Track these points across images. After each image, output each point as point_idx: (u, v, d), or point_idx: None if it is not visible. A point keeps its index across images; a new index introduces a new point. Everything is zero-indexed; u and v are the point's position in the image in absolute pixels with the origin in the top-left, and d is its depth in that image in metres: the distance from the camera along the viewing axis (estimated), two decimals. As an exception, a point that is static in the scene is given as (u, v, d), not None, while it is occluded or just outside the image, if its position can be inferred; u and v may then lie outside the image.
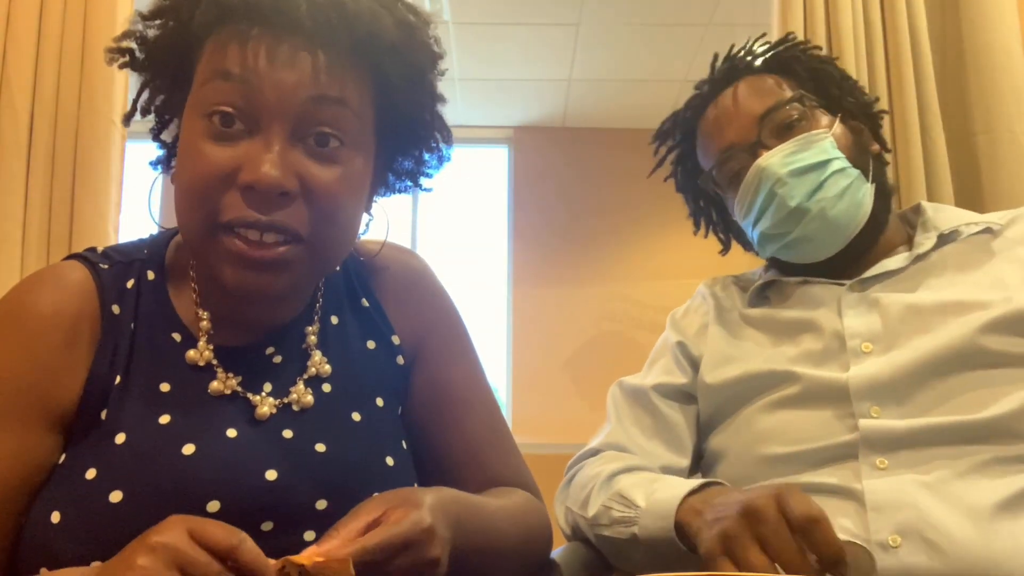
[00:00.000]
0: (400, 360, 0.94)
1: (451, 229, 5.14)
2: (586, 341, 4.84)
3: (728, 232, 1.33)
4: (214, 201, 0.74)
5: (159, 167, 0.88)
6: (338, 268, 0.95)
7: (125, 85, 1.98)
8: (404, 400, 0.94)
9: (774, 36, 1.96)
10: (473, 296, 5.00)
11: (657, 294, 4.82)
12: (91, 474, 0.75)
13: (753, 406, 1.08)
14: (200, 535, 0.59)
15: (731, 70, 1.21)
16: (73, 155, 1.92)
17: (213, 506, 0.75)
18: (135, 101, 0.84)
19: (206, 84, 0.75)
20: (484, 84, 4.60)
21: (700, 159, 1.24)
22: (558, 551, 1.06)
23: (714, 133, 1.19)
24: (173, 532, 0.58)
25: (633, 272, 4.93)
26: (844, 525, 0.94)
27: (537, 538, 0.92)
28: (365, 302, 0.94)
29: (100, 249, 0.87)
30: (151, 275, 0.85)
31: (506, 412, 4.76)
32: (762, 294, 1.21)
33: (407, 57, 0.80)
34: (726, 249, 1.35)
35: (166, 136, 0.88)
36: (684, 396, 1.17)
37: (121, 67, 0.82)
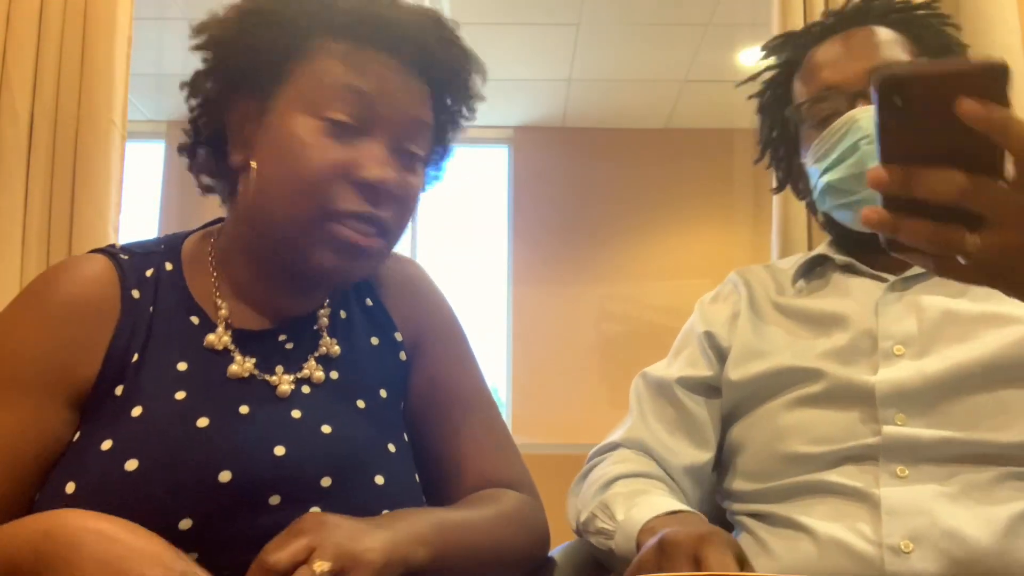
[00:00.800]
0: (402, 356, 0.97)
1: (451, 229, 5.14)
2: (586, 341, 4.84)
3: (788, 173, 1.27)
4: (327, 191, 0.82)
5: (185, 152, 0.93)
6: None
7: (125, 85, 1.98)
8: (405, 397, 0.97)
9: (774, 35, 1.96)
10: (473, 296, 5.01)
11: (657, 294, 4.82)
12: (107, 445, 0.78)
13: (777, 401, 1.06)
14: None
15: (861, 13, 1.17)
16: (73, 155, 1.92)
17: (225, 476, 0.77)
18: (194, 80, 0.90)
19: (325, 91, 0.83)
20: (484, 84, 4.60)
21: (796, 88, 1.19)
22: (560, 548, 1.06)
23: (821, 68, 1.14)
24: None
25: (633, 272, 4.93)
26: (858, 528, 0.93)
27: (529, 541, 0.92)
28: (369, 301, 0.98)
29: (118, 245, 0.91)
30: (169, 266, 0.90)
31: (506, 412, 4.76)
32: (802, 277, 1.17)
33: (461, 91, 0.94)
34: (779, 188, 1.30)
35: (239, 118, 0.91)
36: (709, 389, 1.14)
37: (198, 48, 0.89)
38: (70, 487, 0.76)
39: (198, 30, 0.89)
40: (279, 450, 0.81)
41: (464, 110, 0.96)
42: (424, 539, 0.76)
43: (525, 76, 4.53)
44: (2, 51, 1.91)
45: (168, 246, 0.93)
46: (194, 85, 0.90)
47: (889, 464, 0.95)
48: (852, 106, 1.08)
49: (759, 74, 1.27)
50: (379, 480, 0.85)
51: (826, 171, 1.10)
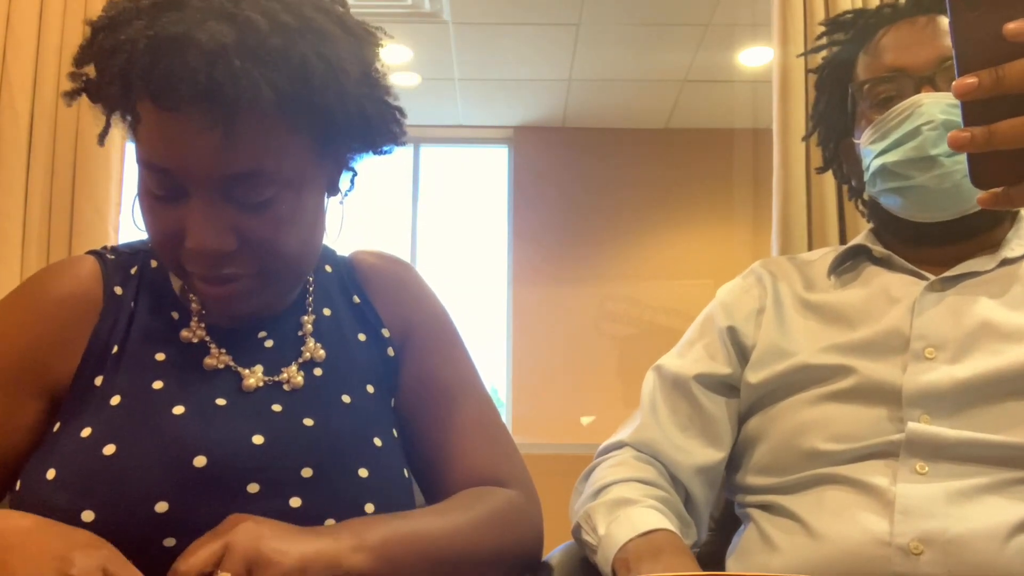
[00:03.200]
0: (390, 352, 0.97)
1: (451, 229, 5.14)
2: (586, 341, 4.84)
3: (835, 154, 1.24)
4: (174, 255, 0.81)
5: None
6: (330, 269, 0.99)
7: (125, 85, 1.98)
8: (395, 393, 0.96)
9: (774, 35, 1.96)
10: (473, 296, 5.01)
11: (657, 294, 4.82)
12: (86, 432, 0.80)
13: (799, 396, 1.04)
14: None
15: (937, 1, 1.13)
16: (73, 155, 1.92)
17: (200, 461, 0.78)
18: (107, 122, 0.84)
19: (139, 162, 0.80)
20: (484, 84, 4.60)
21: (860, 67, 1.16)
22: (558, 549, 1.06)
23: (891, 49, 1.11)
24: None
25: (633, 272, 4.93)
26: (868, 525, 0.92)
27: (514, 542, 0.90)
28: (356, 299, 0.98)
29: (109, 247, 0.94)
30: (154, 263, 0.92)
31: (506, 412, 4.76)
32: (838, 268, 1.15)
33: (308, 97, 0.78)
34: (824, 168, 1.27)
35: None
36: (727, 388, 1.12)
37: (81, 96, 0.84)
38: (50, 473, 0.78)
39: (72, 79, 0.83)
40: (257, 439, 0.82)
41: (342, 95, 0.80)
42: (365, 546, 0.75)
43: (525, 76, 4.54)
44: (2, 51, 1.91)
45: None
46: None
47: (909, 459, 0.94)
48: (918, 91, 1.06)
49: (822, 48, 1.24)
50: (363, 473, 0.85)
51: (882, 153, 1.07)
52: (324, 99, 0.78)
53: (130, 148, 2.00)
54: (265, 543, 0.69)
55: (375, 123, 0.85)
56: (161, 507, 0.76)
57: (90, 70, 0.80)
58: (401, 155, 5.06)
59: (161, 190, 0.79)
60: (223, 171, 0.77)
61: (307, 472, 0.82)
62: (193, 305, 0.89)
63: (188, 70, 0.72)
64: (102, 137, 0.84)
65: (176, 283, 0.91)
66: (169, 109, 0.74)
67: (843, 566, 0.91)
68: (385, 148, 0.90)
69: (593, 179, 5.01)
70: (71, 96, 0.82)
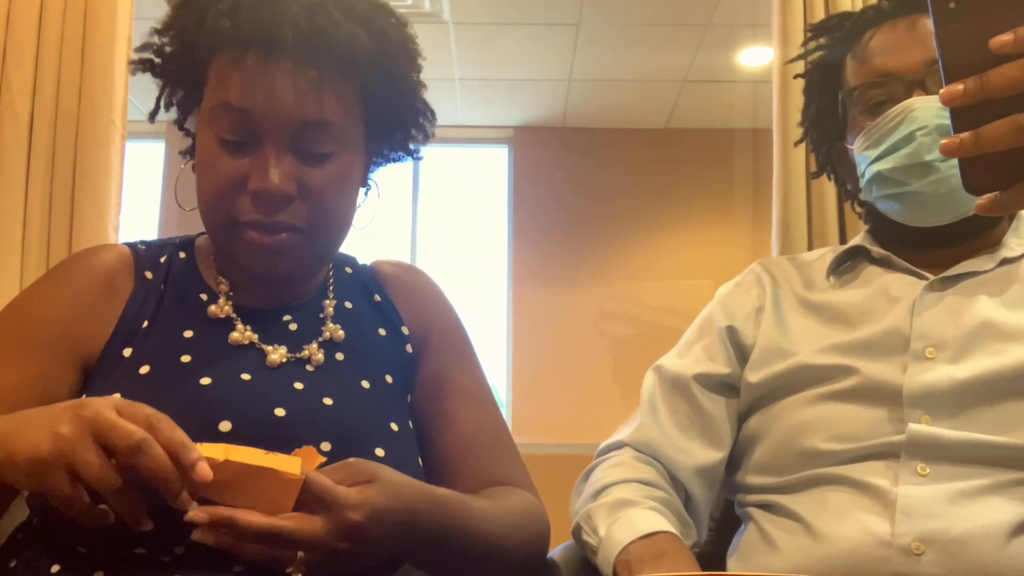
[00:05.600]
0: (409, 348, 1.01)
1: (451, 229, 5.14)
2: (586, 341, 4.84)
3: (828, 159, 1.24)
4: (231, 203, 0.87)
5: (187, 156, 0.99)
6: (350, 271, 1.03)
7: (125, 86, 1.98)
8: (411, 390, 0.99)
9: (774, 36, 1.97)
10: (473, 296, 5.01)
11: (657, 294, 4.82)
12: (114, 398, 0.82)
13: (799, 396, 1.04)
14: (122, 410, 0.68)
15: (921, 0, 1.11)
16: (73, 155, 1.92)
17: (225, 426, 0.82)
18: (158, 99, 0.95)
19: (213, 108, 0.88)
20: (484, 84, 4.60)
21: (849, 71, 1.15)
22: (559, 548, 1.06)
23: (880, 53, 1.10)
24: (98, 406, 0.68)
25: (633, 272, 4.93)
26: (870, 526, 0.92)
27: (531, 540, 0.93)
28: (377, 298, 1.03)
29: (139, 240, 1.00)
30: (182, 254, 0.98)
31: (506, 412, 4.77)
32: (838, 268, 1.15)
33: (385, 66, 0.91)
34: (818, 174, 1.27)
35: (190, 124, 0.98)
36: (727, 388, 1.12)
37: (144, 72, 0.94)
38: None
39: (139, 51, 0.94)
40: (279, 411, 0.86)
41: (397, 86, 0.94)
42: (422, 523, 0.79)
43: (525, 76, 4.53)
44: (2, 51, 1.91)
45: (183, 240, 1.00)
46: (162, 99, 0.97)
47: (911, 461, 0.94)
48: (909, 95, 1.05)
49: (808, 53, 1.24)
50: (380, 452, 0.88)
51: (876, 159, 1.07)
52: (395, 68, 0.91)
53: (130, 148, 2.00)
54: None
55: (419, 108, 0.97)
56: None
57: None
58: (401, 155, 5.05)
59: (232, 135, 0.86)
60: (301, 116, 0.85)
61: (326, 446, 0.85)
62: (222, 286, 0.93)
63: (291, 16, 0.83)
64: (152, 116, 0.96)
65: (205, 270, 0.96)
66: (270, 52, 0.84)
67: (844, 566, 0.92)
68: (412, 145, 1.02)
69: (593, 179, 5.01)
70: (140, 65, 0.93)
